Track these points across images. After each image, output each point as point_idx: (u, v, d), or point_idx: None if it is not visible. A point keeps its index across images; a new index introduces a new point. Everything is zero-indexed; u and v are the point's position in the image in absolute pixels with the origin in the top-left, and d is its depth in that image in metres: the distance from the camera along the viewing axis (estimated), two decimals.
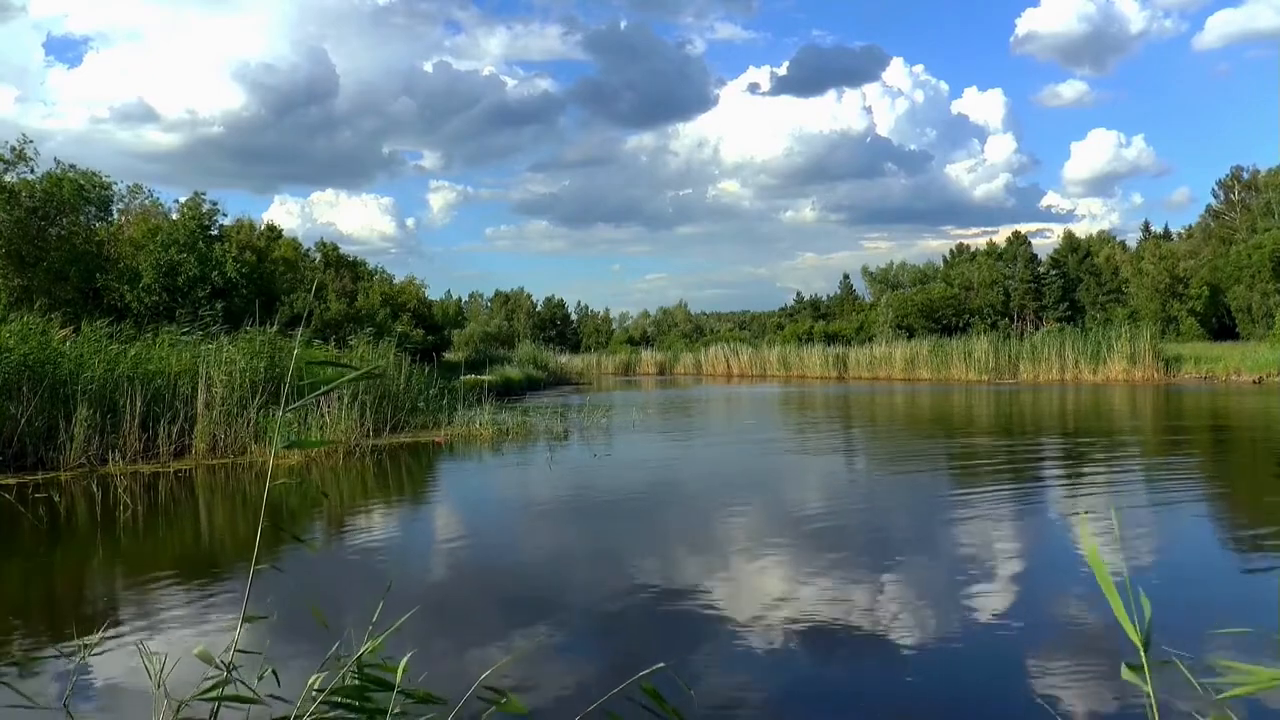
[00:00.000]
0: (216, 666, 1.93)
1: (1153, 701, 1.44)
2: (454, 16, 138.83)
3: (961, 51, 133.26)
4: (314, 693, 1.94)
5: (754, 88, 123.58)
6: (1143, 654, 1.46)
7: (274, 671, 2.10)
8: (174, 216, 27.72)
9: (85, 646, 5.57)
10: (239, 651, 2.01)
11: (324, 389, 2.17)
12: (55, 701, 4.52)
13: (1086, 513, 9.64)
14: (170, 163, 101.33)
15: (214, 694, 1.74)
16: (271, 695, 2.03)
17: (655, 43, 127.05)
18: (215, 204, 27.82)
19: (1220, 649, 4.99)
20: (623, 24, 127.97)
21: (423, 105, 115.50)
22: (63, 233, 23.56)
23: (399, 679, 2.08)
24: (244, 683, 1.92)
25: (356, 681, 1.96)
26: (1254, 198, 56.80)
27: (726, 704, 4.85)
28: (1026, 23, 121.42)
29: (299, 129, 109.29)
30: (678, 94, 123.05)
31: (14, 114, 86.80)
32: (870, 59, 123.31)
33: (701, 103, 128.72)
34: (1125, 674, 1.51)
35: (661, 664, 2.34)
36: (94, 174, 24.51)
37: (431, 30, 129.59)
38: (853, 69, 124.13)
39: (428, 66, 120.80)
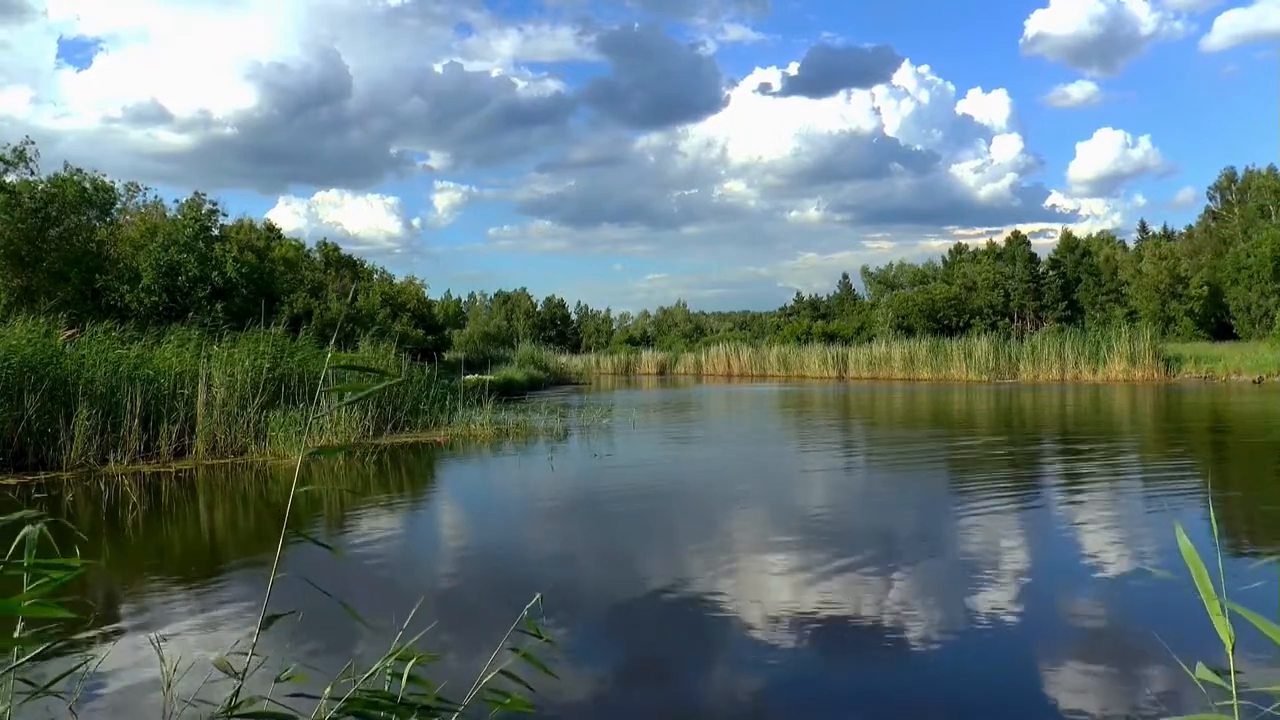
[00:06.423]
0: (235, 675, 1.94)
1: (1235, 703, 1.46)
2: (466, 18, 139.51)
3: (969, 52, 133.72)
4: (330, 700, 1.95)
5: (765, 88, 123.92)
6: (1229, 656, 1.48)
7: (288, 676, 2.11)
8: (171, 215, 27.76)
9: (92, 646, 5.58)
10: (256, 654, 2.02)
11: (355, 398, 2.19)
12: (62, 702, 4.52)
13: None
14: (181, 163, 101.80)
15: (244, 710, 1.75)
16: (290, 695, 2.05)
17: (667, 44, 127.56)
18: (216, 204, 27.88)
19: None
20: (636, 25, 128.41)
21: (433, 106, 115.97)
22: (63, 233, 23.57)
23: (404, 685, 2.09)
24: (272, 700, 1.93)
25: (367, 691, 1.97)
26: (1249, 199, 56.76)
27: (731, 703, 4.86)
28: (1036, 24, 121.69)
29: (309, 129, 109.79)
30: (688, 95, 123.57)
31: (27, 114, 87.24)
32: (881, 59, 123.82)
33: (711, 103, 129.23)
34: (1203, 674, 1.53)
35: (539, 593, 2.46)
36: (98, 177, 24.54)
37: (443, 32, 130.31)
38: (864, 69, 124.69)
39: (438, 68, 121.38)
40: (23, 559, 1.69)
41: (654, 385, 48.00)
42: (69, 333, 16.67)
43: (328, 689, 2.00)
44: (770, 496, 11.92)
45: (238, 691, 1.90)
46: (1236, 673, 1.56)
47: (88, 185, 23.99)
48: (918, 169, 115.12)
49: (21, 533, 1.79)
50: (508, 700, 2.11)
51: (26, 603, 1.36)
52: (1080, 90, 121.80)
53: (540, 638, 2.30)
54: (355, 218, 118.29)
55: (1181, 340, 48.89)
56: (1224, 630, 1.48)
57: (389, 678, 2.10)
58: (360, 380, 2.39)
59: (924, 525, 9.67)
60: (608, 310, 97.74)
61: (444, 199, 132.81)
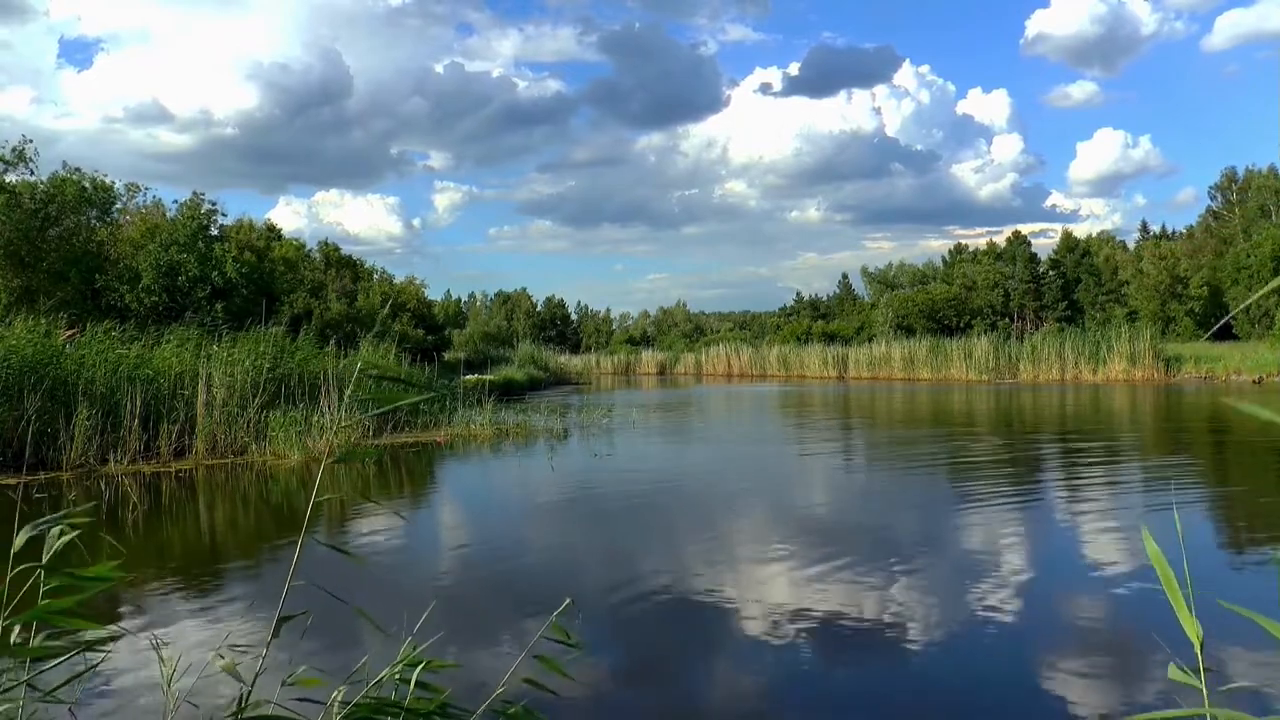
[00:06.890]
0: (241, 680, 1.93)
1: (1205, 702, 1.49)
2: (467, 19, 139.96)
3: (970, 52, 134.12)
4: (339, 705, 1.95)
5: (766, 88, 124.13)
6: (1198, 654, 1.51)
7: (295, 680, 2.11)
8: (171, 215, 27.76)
9: (91, 647, 5.56)
10: (247, 649, 2.01)
11: (385, 408, 2.19)
12: (62, 703, 4.52)
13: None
14: (182, 163, 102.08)
15: (250, 713, 1.75)
16: (296, 699, 2.04)
17: (668, 44, 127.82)
18: (214, 204, 27.86)
19: (1226, 652, 5.00)
20: (636, 25, 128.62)
21: (434, 106, 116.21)
22: (63, 233, 23.57)
23: (411, 689, 2.09)
24: (278, 704, 1.93)
25: (375, 698, 1.97)
26: (1249, 199, 56.74)
27: (731, 702, 4.86)
28: (1036, 24, 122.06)
29: (310, 129, 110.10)
30: (689, 95, 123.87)
31: (28, 114, 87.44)
32: (882, 60, 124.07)
33: (712, 103, 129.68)
34: (1174, 674, 1.58)
35: (569, 598, 2.45)
36: (98, 177, 24.54)
37: (444, 32, 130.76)
38: (864, 70, 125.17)
39: (439, 68, 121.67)
40: (62, 566, 1.69)
41: (654, 385, 48.00)
42: (69, 333, 16.67)
43: (337, 693, 2.00)
44: (771, 496, 11.92)
45: (247, 695, 1.90)
46: (1208, 670, 1.60)
47: (87, 185, 23.99)
48: (918, 169, 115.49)
49: (57, 543, 1.80)
50: (512, 711, 2.10)
51: (52, 610, 1.37)
52: (1081, 90, 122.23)
53: (569, 643, 2.27)
54: (355, 218, 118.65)
55: (1181, 340, 48.91)
56: (1191, 628, 1.54)
57: (398, 683, 2.10)
58: (380, 388, 2.40)
59: (924, 525, 9.67)
60: (608, 310, 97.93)
61: (444, 199, 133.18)
